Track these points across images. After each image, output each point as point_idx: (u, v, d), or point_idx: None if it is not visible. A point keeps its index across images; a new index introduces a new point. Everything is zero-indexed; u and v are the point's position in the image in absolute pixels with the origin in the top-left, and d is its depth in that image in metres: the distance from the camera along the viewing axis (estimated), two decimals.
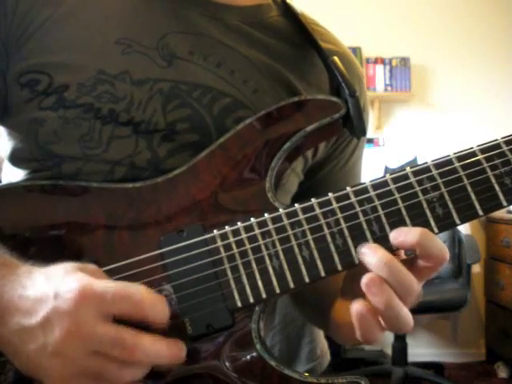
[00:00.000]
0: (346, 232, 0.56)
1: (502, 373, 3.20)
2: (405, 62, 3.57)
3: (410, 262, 0.55)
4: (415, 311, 0.55)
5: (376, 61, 3.57)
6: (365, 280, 0.53)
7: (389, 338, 3.01)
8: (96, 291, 0.48)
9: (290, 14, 0.76)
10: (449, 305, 2.84)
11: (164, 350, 0.50)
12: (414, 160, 3.37)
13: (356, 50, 3.48)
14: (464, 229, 3.22)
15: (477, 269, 3.39)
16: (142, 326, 0.50)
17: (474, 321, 3.54)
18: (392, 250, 0.55)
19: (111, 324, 0.48)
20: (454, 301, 2.82)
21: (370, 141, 3.55)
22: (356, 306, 0.54)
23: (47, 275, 0.51)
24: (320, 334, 1.29)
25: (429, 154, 3.39)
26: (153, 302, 0.50)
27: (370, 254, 0.54)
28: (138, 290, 0.49)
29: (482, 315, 3.54)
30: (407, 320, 0.54)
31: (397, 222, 0.56)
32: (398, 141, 3.63)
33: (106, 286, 0.49)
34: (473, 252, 2.84)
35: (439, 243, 0.54)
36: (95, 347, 0.47)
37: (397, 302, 0.53)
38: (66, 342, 0.47)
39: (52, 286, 0.49)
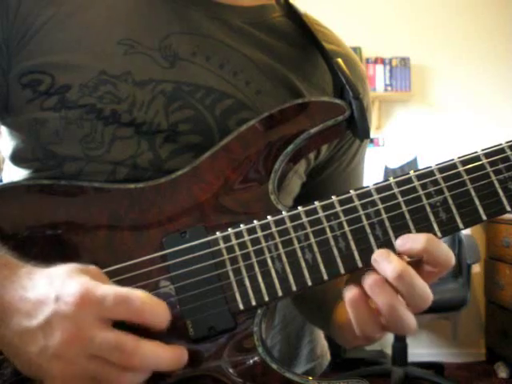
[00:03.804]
0: (349, 235, 0.56)
1: (502, 373, 3.20)
2: (405, 62, 3.57)
3: (416, 265, 0.55)
4: None
5: (376, 61, 3.57)
6: (368, 280, 0.53)
7: (389, 338, 3.00)
8: (96, 296, 0.48)
9: (293, 14, 0.75)
10: (449, 305, 2.84)
11: (164, 357, 0.49)
12: (414, 160, 3.37)
13: (356, 50, 3.48)
14: None
15: (477, 269, 3.38)
16: (143, 328, 0.49)
17: (473, 321, 3.54)
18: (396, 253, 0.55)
19: (111, 329, 0.48)
20: (454, 301, 2.82)
21: (370, 141, 3.55)
22: (348, 293, 0.54)
23: (48, 277, 0.51)
24: (320, 334, 1.29)
25: (429, 153, 3.39)
26: (153, 308, 0.49)
27: (384, 263, 0.53)
28: (138, 296, 0.49)
29: (481, 315, 3.54)
30: (410, 322, 0.54)
31: (400, 226, 0.56)
32: (398, 141, 3.63)
33: (107, 290, 0.48)
34: (473, 252, 2.84)
35: (445, 248, 0.54)
36: (94, 351, 0.47)
37: (399, 303, 0.53)
38: (66, 346, 0.47)
39: (53, 288, 0.49)
